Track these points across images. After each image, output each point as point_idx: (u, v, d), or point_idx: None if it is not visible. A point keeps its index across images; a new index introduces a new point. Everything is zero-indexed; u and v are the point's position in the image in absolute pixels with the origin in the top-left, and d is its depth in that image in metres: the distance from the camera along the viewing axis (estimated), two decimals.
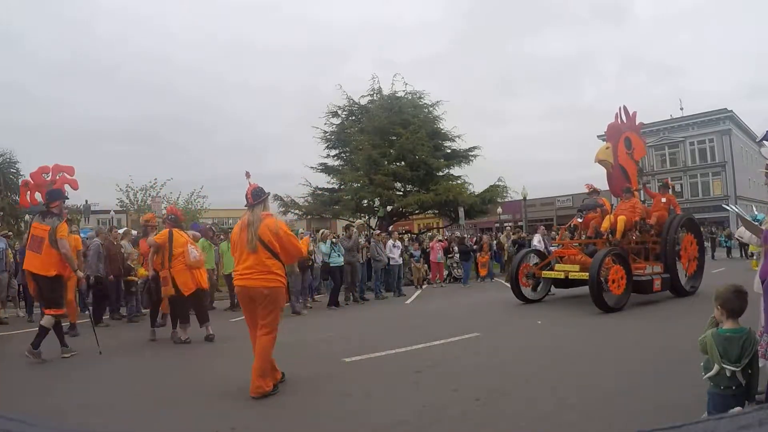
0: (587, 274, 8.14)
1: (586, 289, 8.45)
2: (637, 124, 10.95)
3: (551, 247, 12.34)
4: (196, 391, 4.44)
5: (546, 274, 9.81)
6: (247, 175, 4.65)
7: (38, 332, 5.56)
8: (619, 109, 10.63)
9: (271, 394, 4.20)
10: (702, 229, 25.94)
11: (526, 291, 9.87)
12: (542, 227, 16.19)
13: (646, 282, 8.82)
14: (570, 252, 9.75)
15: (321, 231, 11.80)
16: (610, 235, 9.19)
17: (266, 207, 4.59)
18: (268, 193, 4.62)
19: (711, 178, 38.60)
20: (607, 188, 10.51)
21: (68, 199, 6.50)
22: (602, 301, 7.98)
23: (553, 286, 10.07)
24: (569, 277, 9.09)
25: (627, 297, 8.35)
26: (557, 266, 9.66)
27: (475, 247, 16.05)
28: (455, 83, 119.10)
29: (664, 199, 10.47)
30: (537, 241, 14.17)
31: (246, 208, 4.55)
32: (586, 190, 10.77)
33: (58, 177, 7.08)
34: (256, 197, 4.49)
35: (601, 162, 10.05)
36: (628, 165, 10.34)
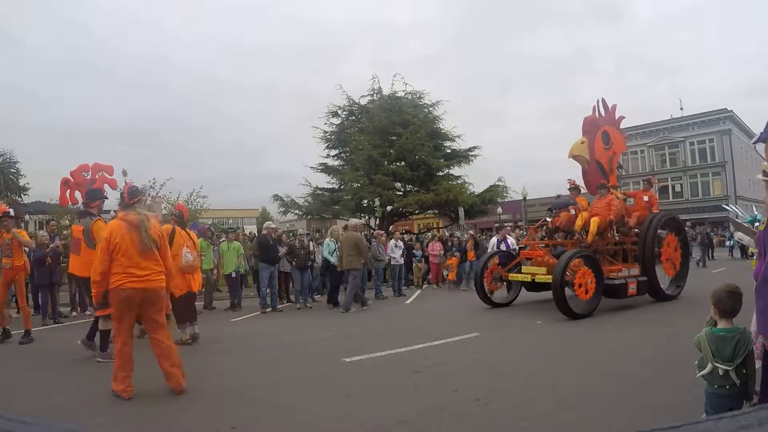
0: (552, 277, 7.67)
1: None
2: (617, 117, 10.34)
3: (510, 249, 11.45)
4: (196, 391, 4.43)
5: (513, 276, 9.28)
6: (124, 173, 4.63)
7: (99, 336, 5.60)
8: (597, 101, 10.02)
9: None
10: (701, 229, 25.80)
11: (493, 294, 9.43)
12: (507, 227, 14.57)
13: (619, 285, 8.33)
14: (537, 253, 9.19)
15: (331, 229, 11.87)
16: (581, 235, 8.69)
17: (142, 206, 4.57)
18: (143, 192, 4.58)
19: (711, 178, 38.62)
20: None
21: (107, 198, 6.40)
22: (567, 307, 7.48)
23: (525, 289, 9.52)
24: (536, 281, 8.54)
25: (596, 303, 7.87)
26: (524, 268, 9.15)
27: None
28: (454, 83, 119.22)
29: (646, 197, 9.91)
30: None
31: (121, 207, 4.47)
32: (568, 186, 10.06)
33: (98, 176, 6.96)
34: (132, 196, 4.45)
35: (575, 158, 9.45)
36: (605, 161, 9.79)
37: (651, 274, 8.91)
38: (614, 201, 9.10)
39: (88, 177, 6.96)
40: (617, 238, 9.28)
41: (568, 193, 9.91)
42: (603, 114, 10.02)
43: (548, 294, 9.73)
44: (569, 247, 8.76)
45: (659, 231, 9.32)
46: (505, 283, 9.60)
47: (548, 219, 9.80)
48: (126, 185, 4.50)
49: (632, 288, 8.44)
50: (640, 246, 9.10)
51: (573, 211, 9.10)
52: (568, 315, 7.49)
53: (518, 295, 9.72)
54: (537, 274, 8.58)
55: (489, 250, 12.23)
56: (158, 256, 4.32)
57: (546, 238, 9.92)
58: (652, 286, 8.95)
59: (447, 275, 13.79)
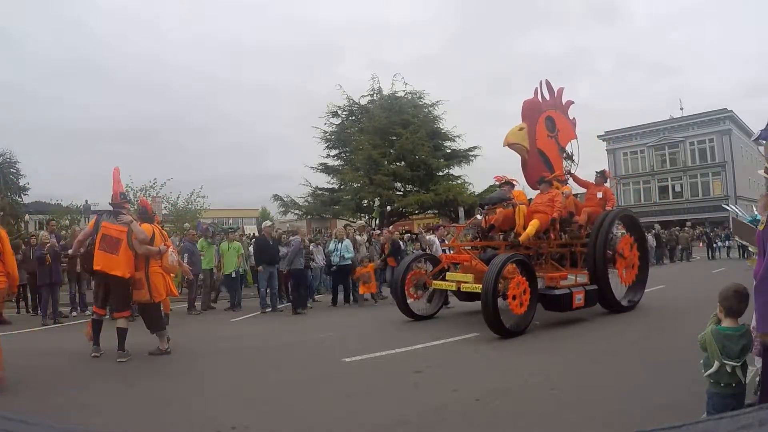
0: (480, 286, 6.49)
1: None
2: (564, 102, 9.19)
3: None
4: (196, 391, 4.43)
5: (437, 284, 7.88)
6: None
7: (118, 336, 5.74)
8: (540, 83, 8.73)
9: None
10: (702, 229, 25.57)
11: (416, 305, 8.11)
12: (442, 227, 12.00)
13: (562, 296, 7.05)
14: (463, 258, 7.94)
15: (336, 229, 11.87)
16: (514, 238, 7.42)
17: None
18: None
19: (711, 178, 38.60)
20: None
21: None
22: (499, 323, 6.27)
23: (457, 298, 8.27)
24: (461, 290, 7.27)
25: (531, 316, 6.73)
26: (448, 275, 7.84)
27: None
28: (454, 82, 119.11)
29: (600, 194, 8.70)
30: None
31: None
32: (497, 183, 8.75)
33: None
34: None
35: (511, 146, 8.20)
36: (549, 150, 8.60)
37: (602, 282, 7.69)
38: (558, 197, 7.82)
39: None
40: (563, 239, 7.98)
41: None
42: (547, 97, 8.86)
43: (448, 308, 8.72)
44: (501, 249, 7.55)
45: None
46: (422, 293, 8.22)
47: (479, 217, 8.60)
48: None
49: (578, 299, 7.20)
50: (590, 248, 7.80)
51: (510, 207, 7.85)
52: (500, 333, 6.32)
53: (441, 306, 8.56)
54: (463, 281, 7.27)
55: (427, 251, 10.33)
56: None
57: (479, 239, 8.56)
58: (604, 296, 7.74)
59: (359, 287, 10.45)
